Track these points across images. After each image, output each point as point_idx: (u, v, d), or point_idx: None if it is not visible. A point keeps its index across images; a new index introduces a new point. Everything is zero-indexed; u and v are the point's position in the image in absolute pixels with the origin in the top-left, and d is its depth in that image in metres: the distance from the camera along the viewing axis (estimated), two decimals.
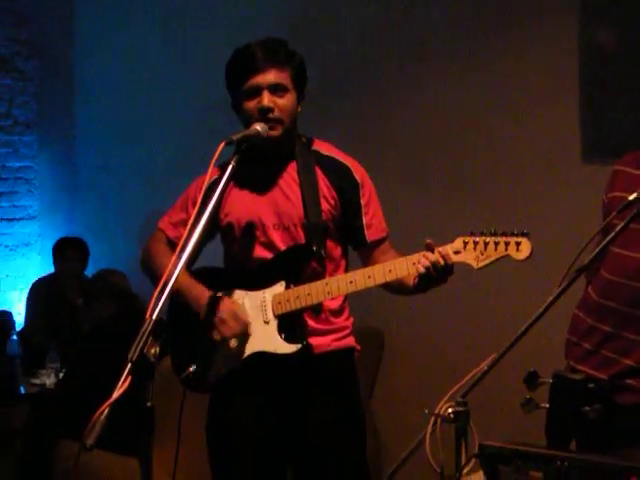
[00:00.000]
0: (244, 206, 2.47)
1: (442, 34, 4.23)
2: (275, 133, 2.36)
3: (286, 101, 2.38)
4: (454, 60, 4.18)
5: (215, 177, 2.37)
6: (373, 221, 2.49)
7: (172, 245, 2.55)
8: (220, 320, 2.37)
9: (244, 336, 2.39)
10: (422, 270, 2.20)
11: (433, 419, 1.81)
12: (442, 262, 2.19)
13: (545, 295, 1.91)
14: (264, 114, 2.35)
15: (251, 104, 2.38)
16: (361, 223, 2.47)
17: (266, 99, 2.35)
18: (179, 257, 1.87)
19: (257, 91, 2.37)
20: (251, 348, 2.40)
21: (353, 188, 2.46)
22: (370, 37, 4.51)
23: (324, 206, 2.43)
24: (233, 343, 2.39)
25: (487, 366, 1.85)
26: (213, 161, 2.04)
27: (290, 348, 2.36)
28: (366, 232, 2.48)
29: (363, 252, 2.52)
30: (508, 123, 4.03)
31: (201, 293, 2.41)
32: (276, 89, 2.37)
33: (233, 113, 2.50)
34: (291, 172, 2.47)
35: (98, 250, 5.45)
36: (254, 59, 2.37)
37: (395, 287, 2.40)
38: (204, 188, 2.13)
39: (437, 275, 2.21)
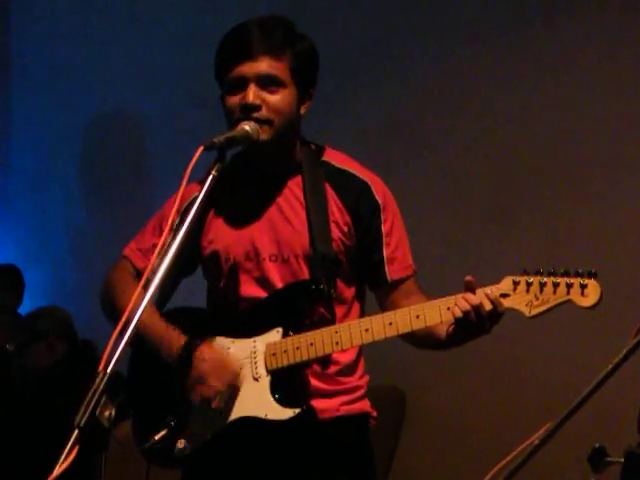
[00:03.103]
0: (234, 231, 2.50)
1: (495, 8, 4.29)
2: (262, 137, 2.37)
3: (279, 98, 2.39)
4: (508, 44, 4.24)
5: (197, 194, 2.39)
6: (396, 254, 2.50)
7: (140, 277, 2.57)
8: (198, 376, 2.39)
9: (232, 392, 2.40)
10: (459, 314, 2.21)
11: None
12: (488, 306, 2.20)
13: (614, 349, 1.93)
14: (247, 113, 2.37)
15: (234, 100, 2.40)
16: (381, 256, 2.49)
17: (251, 94, 2.37)
18: (145, 291, 1.89)
19: (242, 83, 2.39)
20: (235, 412, 2.41)
21: (372, 211, 2.48)
22: (394, 12, 4.58)
23: (335, 234, 2.45)
24: (217, 403, 2.39)
25: (539, 440, 1.87)
26: (188, 172, 2.04)
27: (285, 413, 2.37)
28: (387, 268, 2.50)
29: (382, 293, 2.53)
30: (572, 128, 4.09)
31: (174, 338, 2.43)
32: (266, 82, 2.39)
33: (217, 108, 2.54)
34: (294, 189, 2.49)
35: (36, 280, 5.48)
36: (245, 42, 2.40)
37: (422, 339, 2.41)
38: (176, 206, 2.13)
39: (479, 323, 2.21)
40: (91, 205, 5.68)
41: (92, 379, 1.74)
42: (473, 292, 2.23)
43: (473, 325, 2.22)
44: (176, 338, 2.43)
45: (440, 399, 4.33)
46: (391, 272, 2.50)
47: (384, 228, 2.49)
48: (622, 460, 2.20)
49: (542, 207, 4.13)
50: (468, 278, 2.23)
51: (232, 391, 2.40)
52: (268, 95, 2.38)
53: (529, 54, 4.30)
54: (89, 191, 5.73)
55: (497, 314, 2.22)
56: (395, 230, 2.51)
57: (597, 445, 2.17)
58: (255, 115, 2.37)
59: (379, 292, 2.54)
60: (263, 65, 2.38)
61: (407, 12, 4.64)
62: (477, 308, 2.20)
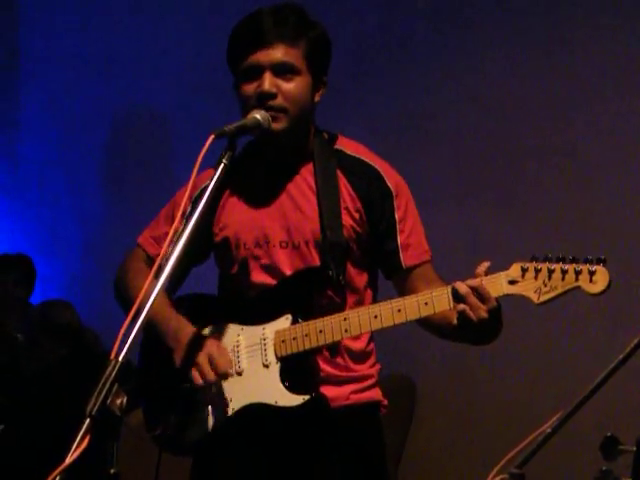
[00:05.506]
0: (244, 218, 2.50)
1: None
2: (278, 126, 2.38)
3: (294, 86, 2.39)
4: (518, 33, 4.23)
5: (209, 182, 2.39)
6: (410, 240, 2.49)
7: (153, 264, 2.56)
8: (195, 364, 2.37)
9: (226, 384, 2.40)
10: (459, 307, 2.19)
11: None
12: (472, 300, 2.17)
13: (627, 337, 1.93)
14: (263, 101, 2.37)
15: (249, 88, 2.40)
16: (395, 244, 2.48)
17: (267, 82, 2.37)
18: (156, 278, 1.89)
19: (257, 72, 2.39)
20: (245, 399, 2.42)
21: (385, 199, 2.47)
22: (406, 3, 4.56)
23: (345, 220, 2.44)
24: (213, 390, 2.40)
25: (551, 428, 1.87)
26: (199, 160, 2.05)
27: (294, 400, 2.37)
28: (402, 255, 2.48)
29: (399, 281, 2.51)
30: (581, 116, 4.07)
31: (181, 328, 2.43)
32: (282, 70, 2.39)
33: (232, 97, 2.53)
34: (306, 176, 2.49)
35: (47, 270, 5.49)
36: (259, 30, 2.39)
37: (436, 326, 2.40)
38: (188, 193, 2.15)
39: (477, 318, 2.18)
40: (102, 195, 5.69)
41: (98, 371, 1.74)
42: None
43: (472, 320, 2.19)
44: (183, 327, 2.43)
45: (451, 388, 4.32)
46: (406, 258, 2.49)
47: (397, 215, 2.48)
48: (634, 448, 2.19)
49: (554, 195, 4.12)
50: (481, 268, 2.20)
51: (217, 380, 2.37)
52: (283, 83, 2.39)
53: (541, 43, 4.28)
54: (100, 181, 5.73)
55: (491, 309, 2.18)
56: (409, 217, 2.50)
57: (609, 433, 2.16)
58: (270, 103, 2.37)
59: (396, 280, 2.52)
60: (278, 53, 2.38)
61: (420, 3, 4.63)
62: (476, 290, 2.18)
